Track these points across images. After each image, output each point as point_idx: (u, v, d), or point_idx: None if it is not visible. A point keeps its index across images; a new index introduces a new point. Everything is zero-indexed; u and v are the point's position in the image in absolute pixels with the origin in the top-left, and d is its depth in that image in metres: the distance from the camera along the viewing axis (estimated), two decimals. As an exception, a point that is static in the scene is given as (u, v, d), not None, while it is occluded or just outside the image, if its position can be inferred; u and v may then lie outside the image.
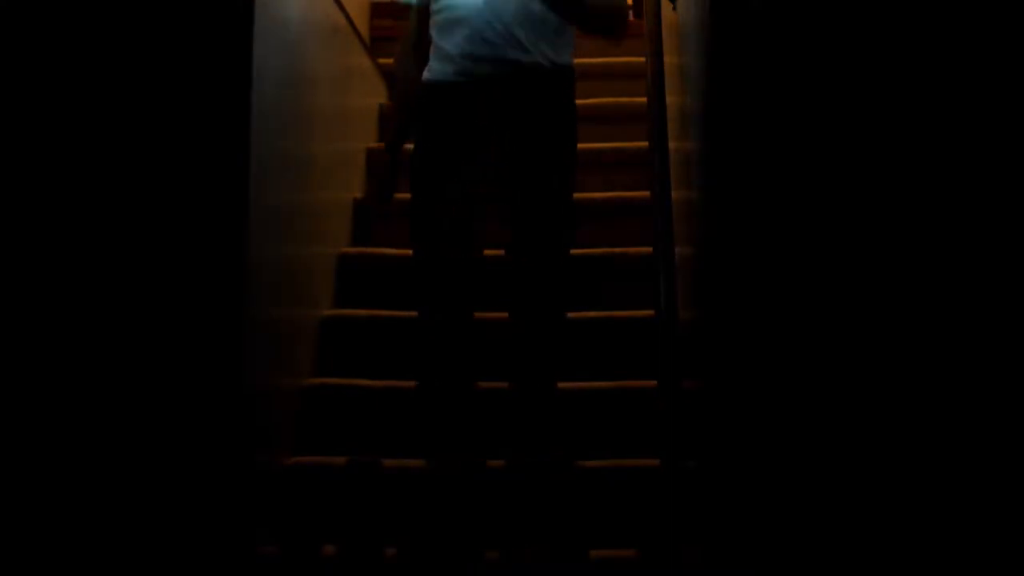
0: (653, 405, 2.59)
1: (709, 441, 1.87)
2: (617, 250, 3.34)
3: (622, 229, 3.44)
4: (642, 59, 3.25)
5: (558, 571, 2.43)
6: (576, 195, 2.85)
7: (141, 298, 1.93)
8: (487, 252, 2.69)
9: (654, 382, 2.61)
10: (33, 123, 2.03)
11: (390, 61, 4.12)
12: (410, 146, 2.70)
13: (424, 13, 2.64)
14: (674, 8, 2.77)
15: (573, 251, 2.64)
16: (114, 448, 1.96)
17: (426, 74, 2.58)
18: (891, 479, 0.78)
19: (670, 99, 2.86)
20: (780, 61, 1.49)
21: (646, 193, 2.97)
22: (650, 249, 2.78)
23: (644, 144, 3.11)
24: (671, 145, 2.75)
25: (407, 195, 2.66)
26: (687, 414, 2.24)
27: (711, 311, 1.88)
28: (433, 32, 2.58)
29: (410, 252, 2.78)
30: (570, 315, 3.10)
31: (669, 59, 2.99)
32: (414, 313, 2.74)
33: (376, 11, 4.27)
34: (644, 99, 3.14)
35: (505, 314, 2.54)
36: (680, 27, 2.59)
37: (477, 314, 2.58)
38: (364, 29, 3.88)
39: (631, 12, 5.42)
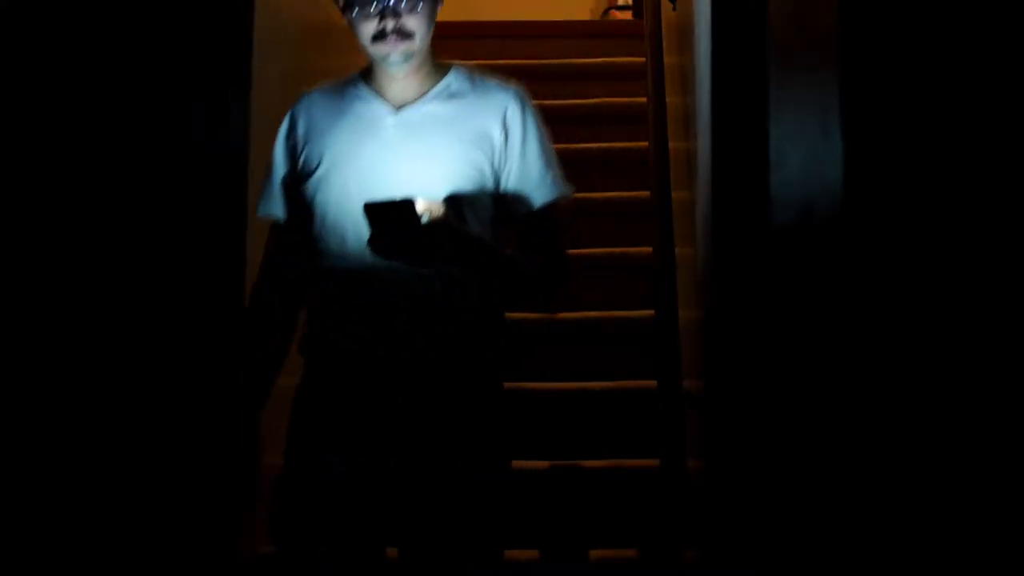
0: (653, 405, 2.60)
1: (710, 441, 1.87)
2: (617, 250, 3.34)
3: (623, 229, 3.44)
4: (642, 59, 3.26)
5: (558, 571, 2.43)
6: (577, 195, 2.83)
7: (141, 298, 1.94)
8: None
9: (654, 382, 2.61)
10: (31, 124, 2.04)
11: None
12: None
13: (296, 244, 1.84)
14: (674, 8, 2.78)
15: (578, 250, 2.61)
16: (115, 449, 1.96)
17: (304, 369, 1.82)
18: (893, 480, 0.78)
19: (670, 99, 2.86)
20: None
21: (645, 193, 2.98)
22: (650, 249, 2.79)
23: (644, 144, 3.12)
24: (671, 145, 2.75)
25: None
26: (687, 414, 2.24)
27: (712, 312, 1.88)
28: (311, 290, 1.81)
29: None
30: (570, 315, 3.11)
31: (669, 59, 2.99)
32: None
33: (376, 11, 4.26)
34: (644, 99, 3.15)
35: None
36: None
37: None
38: (364, 29, 3.87)
39: (631, 12, 5.45)
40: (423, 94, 1.83)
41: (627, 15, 5.51)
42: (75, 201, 2.10)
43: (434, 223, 1.62)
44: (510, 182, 1.79)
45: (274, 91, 2.38)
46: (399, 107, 1.82)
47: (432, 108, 1.81)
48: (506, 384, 1.83)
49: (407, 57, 1.79)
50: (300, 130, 1.85)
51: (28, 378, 1.95)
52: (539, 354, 2.91)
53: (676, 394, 2.40)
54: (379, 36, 1.78)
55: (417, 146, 1.77)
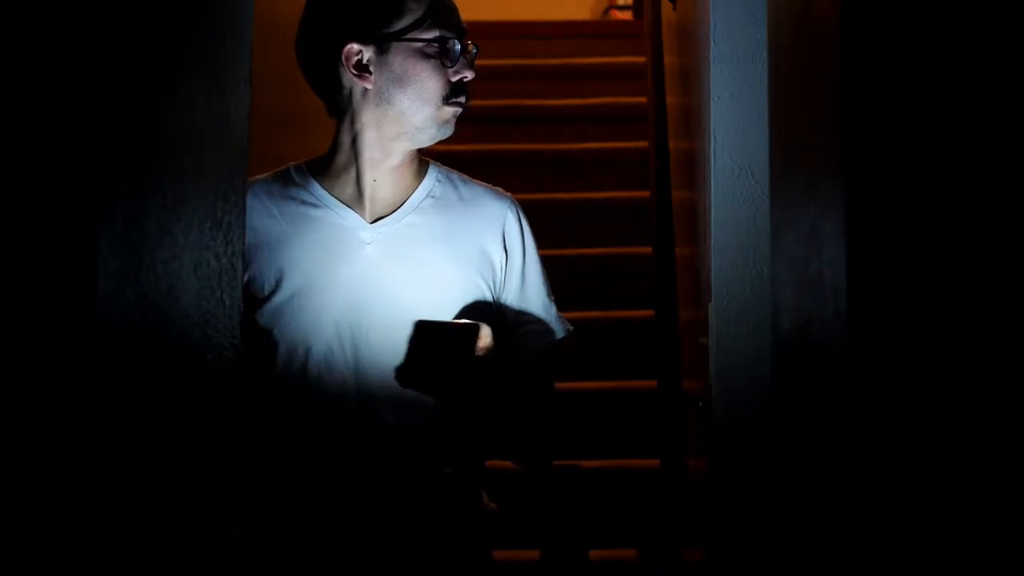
0: (653, 405, 2.60)
1: (710, 441, 1.87)
2: (617, 250, 3.34)
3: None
4: (642, 59, 3.26)
5: (558, 571, 2.43)
6: (577, 195, 2.83)
7: (136, 293, 1.93)
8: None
9: (654, 382, 2.62)
10: (27, 123, 2.03)
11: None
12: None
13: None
14: (674, 8, 2.77)
15: (578, 250, 2.61)
16: (112, 447, 1.96)
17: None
18: (894, 481, 0.78)
19: (670, 99, 2.86)
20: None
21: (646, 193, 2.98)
22: (650, 249, 2.79)
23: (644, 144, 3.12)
24: (671, 145, 2.75)
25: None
26: (687, 414, 2.25)
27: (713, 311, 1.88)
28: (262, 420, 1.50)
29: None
30: (571, 314, 3.11)
31: (669, 59, 2.99)
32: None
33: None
34: (644, 99, 3.16)
35: None
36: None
37: None
38: (364, 29, 3.87)
39: (631, 12, 5.45)
40: (402, 202, 1.49)
41: (627, 15, 5.52)
42: (72, 199, 2.11)
43: (487, 354, 1.38)
44: (508, 314, 1.50)
45: (274, 91, 2.39)
46: (375, 219, 1.48)
47: (415, 220, 1.48)
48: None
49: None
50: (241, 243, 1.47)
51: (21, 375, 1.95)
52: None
53: (676, 394, 2.40)
54: (457, 92, 1.47)
55: (405, 268, 1.45)
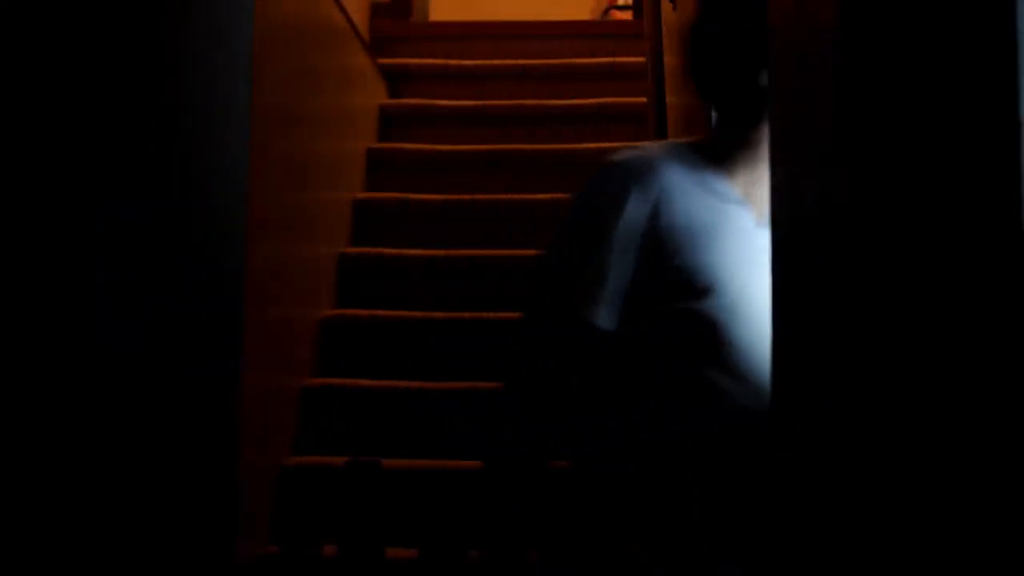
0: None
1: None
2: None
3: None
4: (642, 59, 3.26)
5: (558, 571, 2.43)
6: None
7: (142, 296, 1.93)
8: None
9: (654, 382, 2.61)
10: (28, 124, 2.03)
11: (390, 61, 4.13)
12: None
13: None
14: (674, 8, 2.78)
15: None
16: (111, 446, 1.96)
17: None
18: (895, 481, 0.79)
19: (670, 99, 2.86)
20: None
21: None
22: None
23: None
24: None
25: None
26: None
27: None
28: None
29: (408, 251, 2.74)
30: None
31: (669, 59, 2.99)
32: (414, 313, 2.72)
33: (376, 11, 4.27)
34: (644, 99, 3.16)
35: None
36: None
37: None
38: (364, 29, 3.87)
39: (631, 12, 5.45)
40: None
41: (627, 15, 5.53)
42: (73, 199, 2.10)
43: None
44: None
45: (274, 91, 2.39)
46: (759, 223, 1.35)
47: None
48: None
49: None
50: (672, 220, 1.35)
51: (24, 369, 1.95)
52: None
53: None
54: None
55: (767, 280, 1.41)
